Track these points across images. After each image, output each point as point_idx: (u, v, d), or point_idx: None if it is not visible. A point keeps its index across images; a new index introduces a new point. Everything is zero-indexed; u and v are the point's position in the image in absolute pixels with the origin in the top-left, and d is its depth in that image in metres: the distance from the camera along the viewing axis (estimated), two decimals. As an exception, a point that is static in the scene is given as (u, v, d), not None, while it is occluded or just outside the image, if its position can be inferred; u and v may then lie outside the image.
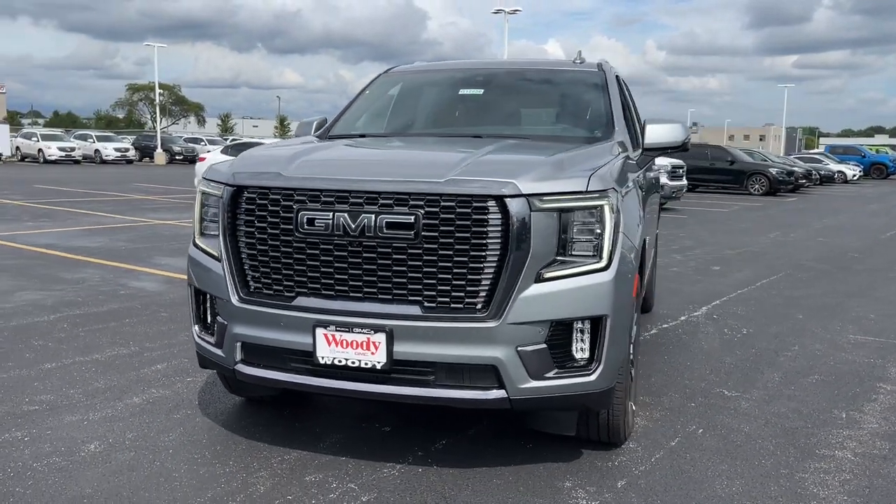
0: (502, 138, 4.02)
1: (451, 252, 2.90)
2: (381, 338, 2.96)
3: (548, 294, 2.93)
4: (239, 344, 3.26)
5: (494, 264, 2.89)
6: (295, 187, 3.08)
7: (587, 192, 2.98)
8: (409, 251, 2.93)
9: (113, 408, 3.96)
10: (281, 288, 3.15)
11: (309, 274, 3.09)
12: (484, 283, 2.91)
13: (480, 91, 4.75)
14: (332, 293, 3.07)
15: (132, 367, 4.65)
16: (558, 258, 2.97)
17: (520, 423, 3.79)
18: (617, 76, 4.96)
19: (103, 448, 3.45)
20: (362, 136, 4.52)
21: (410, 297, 2.97)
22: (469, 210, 2.88)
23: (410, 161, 3.50)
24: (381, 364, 2.98)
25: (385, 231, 2.92)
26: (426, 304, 2.96)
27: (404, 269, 2.95)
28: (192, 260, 3.49)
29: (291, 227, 3.07)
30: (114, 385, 4.31)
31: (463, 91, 4.81)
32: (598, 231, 3.00)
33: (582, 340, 3.05)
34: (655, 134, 4.31)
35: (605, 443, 3.54)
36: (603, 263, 3.00)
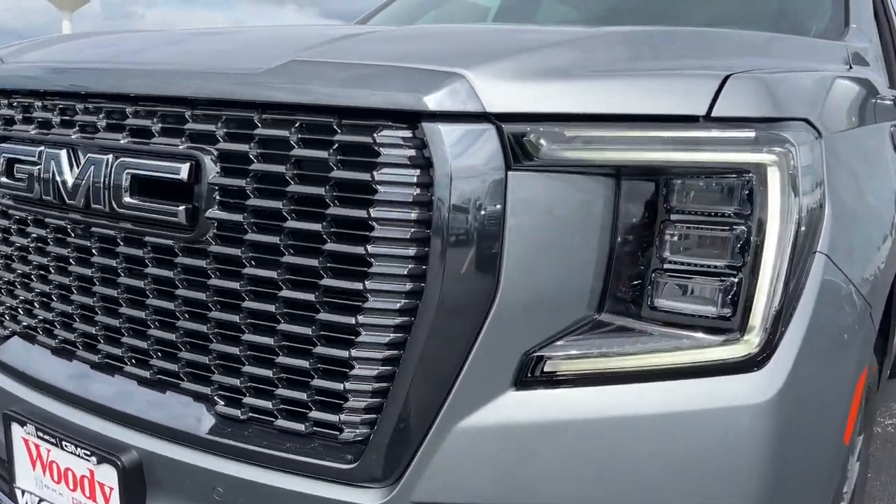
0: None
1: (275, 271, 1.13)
2: (110, 476, 1.25)
3: (550, 427, 1.06)
4: None
5: (394, 317, 1.06)
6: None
7: (714, 118, 1.03)
8: (180, 257, 1.21)
9: None
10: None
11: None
12: (364, 371, 1.08)
13: None
14: (59, 344, 1.42)
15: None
16: (605, 313, 1.10)
17: None
18: None
19: None
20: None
21: (183, 386, 1.25)
22: (327, 154, 1.07)
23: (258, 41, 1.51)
24: None
25: (134, 197, 1.21)
26: (220, 404, 1.21)
27: (168, 304, 1.24)
28: None
29: None
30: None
31: None
32: (743, 240, 1.04)
33: None
34: None
35: None
36: (752, 343, 1.03)
